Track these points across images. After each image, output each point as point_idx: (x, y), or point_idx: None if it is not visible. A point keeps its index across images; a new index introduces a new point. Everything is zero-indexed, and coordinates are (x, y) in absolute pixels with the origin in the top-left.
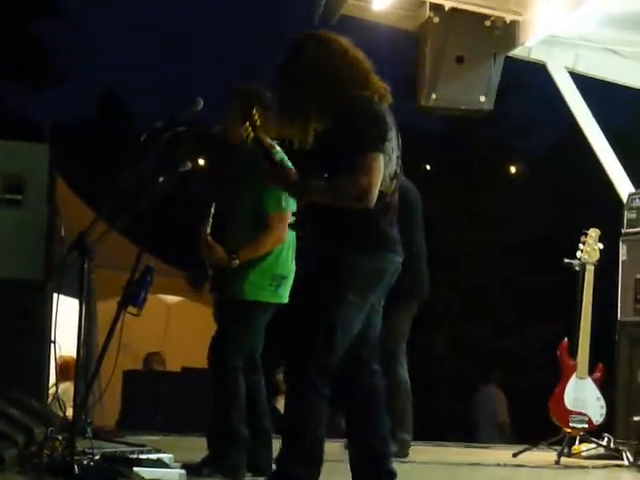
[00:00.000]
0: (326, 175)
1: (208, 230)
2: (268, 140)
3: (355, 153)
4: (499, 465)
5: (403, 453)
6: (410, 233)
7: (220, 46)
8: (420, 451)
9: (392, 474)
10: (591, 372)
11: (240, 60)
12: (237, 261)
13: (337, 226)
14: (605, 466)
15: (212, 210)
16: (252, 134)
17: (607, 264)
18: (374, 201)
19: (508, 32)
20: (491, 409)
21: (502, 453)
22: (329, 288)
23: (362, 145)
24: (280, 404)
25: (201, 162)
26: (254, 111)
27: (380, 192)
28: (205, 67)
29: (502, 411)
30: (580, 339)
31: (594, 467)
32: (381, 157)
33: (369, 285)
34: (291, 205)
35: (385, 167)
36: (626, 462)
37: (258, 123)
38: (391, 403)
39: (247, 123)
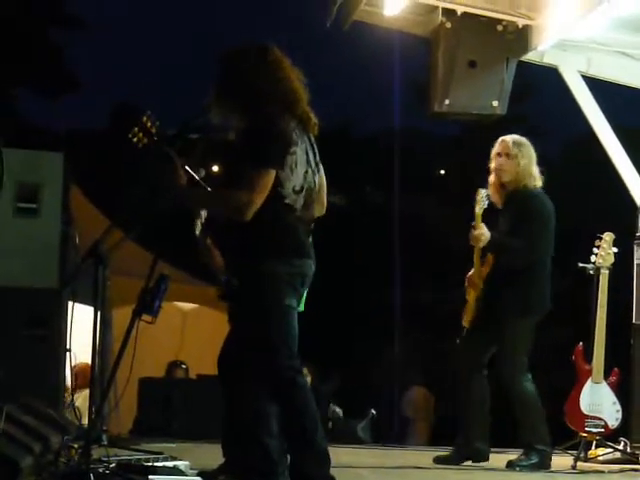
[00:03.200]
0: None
1: (197, 232)
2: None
3: (245, 167)
4: (514, 470)
5: (545, 464)
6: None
7: None
8: (424, 455)
9: None
10: (606, 376)
11: None
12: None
13: (256, 237)
14: (621, 470)
15: (202, 213)
16: (145, 140)
17: (622, 268)
18: (251, 215)
19: (520, 36)
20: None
21: (517, 457)
22: (267, 298)
23: (251, 160)
24: None
25: (215, 169)
26: (144, 118)
27: (287, 205)
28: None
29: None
30: (595, 343)
31: (610, 472)
32: (271, 173)
33: (294, 288)
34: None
35: (287, 181)
36: None
37: (153, 130)
38: (521, 415)
39: (136, 129)
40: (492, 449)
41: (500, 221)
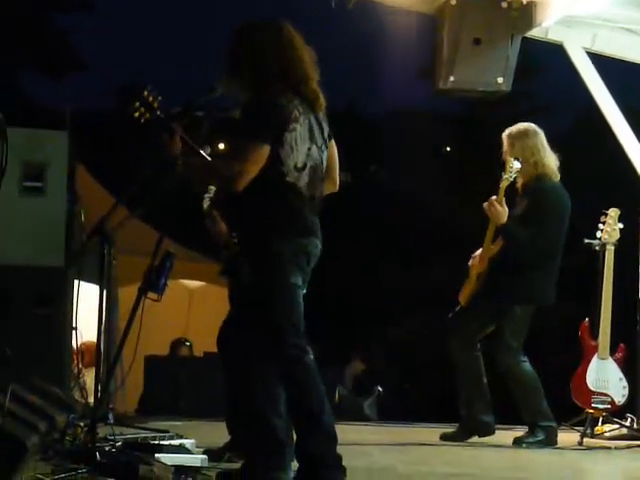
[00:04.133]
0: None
1: (205, 205)
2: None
3: (238, 139)
4: (521, 446)
5: (551, 440)
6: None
7: None
8: (431, 433)
9: None
10: (613, 352)
11: None
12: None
13: (260, 216)
14: (628, 446)
15: (211, 187)
16: (147, 115)
17: (628, 243)
18: (242, 187)
19: (525, 13)
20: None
21: (523, 434)
22: (273, 277)
23: (244, 133)
24: None
25: (221, 146)
26: (145, 93)
27: (290, 183)
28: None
29: None
30: (601, 319)
31: (617, 448)
32: (264, 147)
33: (300, 266)
34: None
35: (288, 158)
36: None
37: (155, 105)
38: (522, 397)
39: (137, 103)
40: (498, 426)
41: (516, 207)
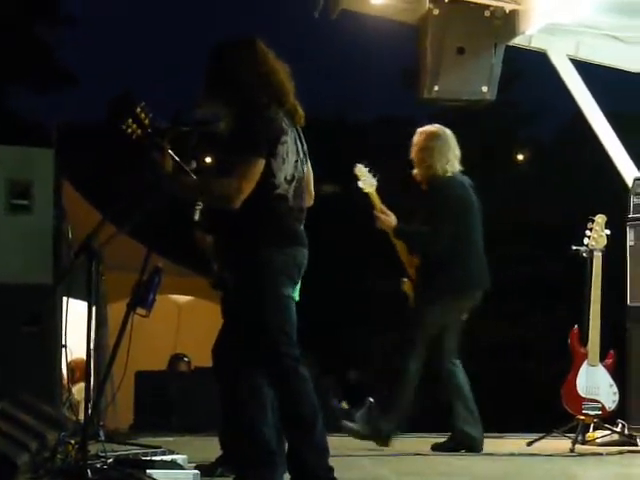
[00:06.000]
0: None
1: (196, 216)
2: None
3: (233, 156)
4: (513, 454)
5: (464, 446)
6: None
7: None
8: (422, 443)
9: None
10: (602, 359)
11: None
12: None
13: (250, 228)
14: (620, 452)
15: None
16: (138, 131)
17: (615, 250)
18: (239, 203)
19: (508, 21)
20: None
21: (515, 442)
22: (264, 288)
23: (240, 149)
24: None
25: (208, 160)
26: (138, 110)
27: (280, 195)
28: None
29: None
30: (590, 326)
31: (608, 454)
32: (260, 163)
33: (290, 276)
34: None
35: (279, 171)
36: None
37: (146, 122)
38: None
39: (129, 120)
40: (489, 434)
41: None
